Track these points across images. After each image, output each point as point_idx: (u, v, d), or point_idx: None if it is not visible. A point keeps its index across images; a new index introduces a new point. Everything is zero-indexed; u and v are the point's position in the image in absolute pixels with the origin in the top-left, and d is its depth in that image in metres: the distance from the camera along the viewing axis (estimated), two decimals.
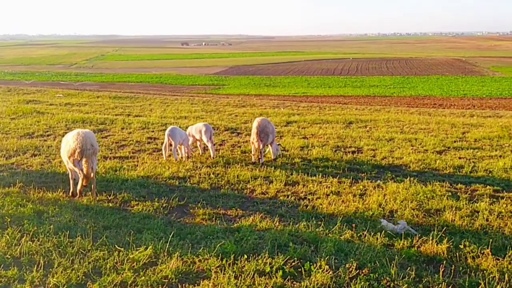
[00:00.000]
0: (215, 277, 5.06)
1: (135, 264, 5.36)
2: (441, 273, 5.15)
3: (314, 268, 5.21)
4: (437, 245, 5.81)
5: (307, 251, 5.69)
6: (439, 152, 11.43)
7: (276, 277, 5.05)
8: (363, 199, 7.81)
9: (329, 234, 6.24)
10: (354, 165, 10.08)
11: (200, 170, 9.57)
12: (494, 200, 7.81)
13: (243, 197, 8.05)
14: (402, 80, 64.05)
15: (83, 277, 5.07)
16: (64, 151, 7.75)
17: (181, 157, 10.53)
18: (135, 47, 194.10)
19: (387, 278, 5.03)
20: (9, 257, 5.46)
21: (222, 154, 10.92)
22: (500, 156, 10.87)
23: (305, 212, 7.20)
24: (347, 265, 5.26)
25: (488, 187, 8.46)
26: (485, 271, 5.23)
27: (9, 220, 6.43)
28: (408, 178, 8.82)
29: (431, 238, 5.96)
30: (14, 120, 15.36)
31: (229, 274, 5.09)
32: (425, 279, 5.07)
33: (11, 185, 8.18)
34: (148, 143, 12.27)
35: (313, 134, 13.71)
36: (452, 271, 5.24)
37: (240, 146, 11.99)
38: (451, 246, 5.84)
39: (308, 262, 5.36)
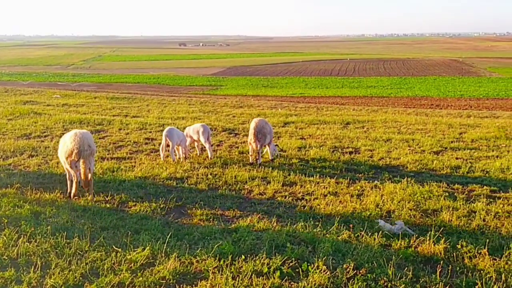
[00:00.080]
0: (212, 278, 5.07)
1: (132, 265, 5.36)
2: (438, 273, 5.16)
3: (312, 268, 5.22)
4: (434, 245, 5.83)
5: (305, 251, 5.70)
6: (436, 152, 11.46)
7: (274, 278, 5.06)
8: (360, 200, 7.83)
9: (327, 235, 6.25)
10: (352, 165, 10.09)
11: (198, 170, 9.57)
12: (491, 200, 7.84)
13: (240, 197, 8.06)
14: (399, 80, 64.13)
15: (81, 278, 5.06)
16: (62, 152, 7.74)
17: (179, 158, 10.53)
18: (133, 48, 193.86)
19: (385, 278, 5.04)
20: (6, 258, 5.45)
21: (219, 155, 10.93)
22: (497, 157, 10.91)
23: (303, 213, 7.21)
24: (344, 266, 5.27)
25: (485, 187, 8.49)
26: (482, 271, 5.24)
27: (6, 221, 6.42)
28: (405, 178, 8.84)
29: (428, 238, 5.98)
30: (11, 121, 15.33)
31: (227, 274, 5.10)
32: (422, 279, 5.09)
33: (8, 186, 8.16)
34: (146, 143, 12.27)
35: (310, 135, 13.73)
36: (449, 271, 5.25)
37: (237, 147, 11.99)
38: (448, 246, 5.85)
39: (305, 262, 5.36)
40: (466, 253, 5.68)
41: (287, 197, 8.00)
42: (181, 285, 5.00)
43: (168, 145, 10.23)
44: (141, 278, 5.04)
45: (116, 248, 5.69)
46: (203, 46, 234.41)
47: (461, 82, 60.91)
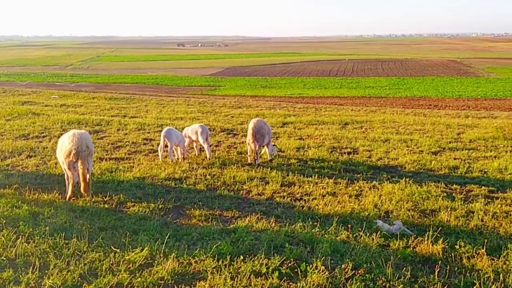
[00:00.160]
0: (211, 278, 5.07)
1: (131, 265, 5.35)
2: (436, 273, 5.17)
3: (310, 268, 5.22)
4: (432, 245, 5.84)
5: (303, 251, 5.70)
6: (435, 153, 11.48)
7: (272, 278, 5.06)
8: (359, 200, 7.83)
9: (325, 235, 6.25)
10: (350, 166, 10.10)
11: (196, 171, 9.57)
12: (489, 200, 7.86)
13: (239, 198, 8.06)
14: (398, 81, 64.23)
15: (79, 278, 5.06)
16: (60, 152, 7.74)
17: (177, 158, 10.52)
18: (131, 48, 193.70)
19: (383, 278, 5.05)
20: (5, 258, 5.44)
21: (218, 155, 10.92)
22: (495, 157, 10.93)
23: (301, 213, 7.21)
24: (343, 266, 5.27)
25: (483, 187, 8.51)
26: (480, 271, 5.25)
27: (4, 221, 6.41)
28: (404, 178, 8.85)
29: (426, 238, 5.99)
30: (9, 122, 15.30)
31: (225, 275, 5.10)
32: (421, 280, 5.09)
33: (6, 187, 8.15)
34: (144, 144, 12.26)
35: (309, 135, 13.74)
36: (448, 271, 5.27)
37: (236, 147, 12.00)
38: (447, 247, 5.86)
39: (304, 262, 5.37)
40: (464, 253, 5.69)
41: (285, 198, 8.00)
42: (180, 286, 5.00)
43: (166, 146, 10.23)
44: (139, 279, 5.04)
45: (115, 249, 5.69)
46: (201, 47, 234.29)
47: (459, 82, 61.02)
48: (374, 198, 7.77)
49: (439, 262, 5.44)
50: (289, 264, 5.36)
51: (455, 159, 10.78)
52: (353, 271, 5.17)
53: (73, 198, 7.69)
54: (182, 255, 5.58)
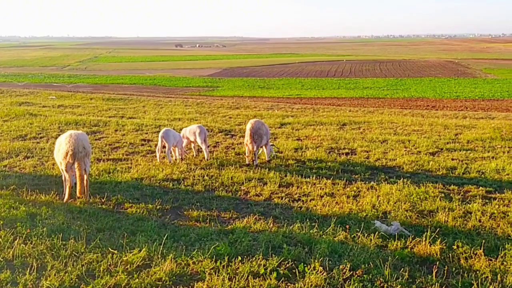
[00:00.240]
0: (209, 279, 5.06)
1: (128, 266, 5.34)
2: (434, 273, 5.17)
3: (308, 269, 5.22)
4: (430, 246, 5.85)
5: (301, 252, 5.70)
6: (432, 153, 11.50)
7: (270, 279, 5.06)
8: (356, 201, 7.84)
9: (323, 236, 6.25)
10: (348, 166, 10.11)
11: (194, 172, 9.56)
12: (487, 201, 7.87)
13: (237, 199, 8.05)
14: (396, 82, 64.37)
15: (77, 279, 5.04)
16: (58, 153, 7.72)
17: (175, 159, 10.51)
18: (129, 49, 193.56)
19: (381, 279, 5.05)
20: (2, 260, 5.43)
21: (216, 156, 10.92)
22: (493, 158, 10.96)
23: (299, 214, 7.21)
24: (341, 266, 5.27)
25: (480, 188, 8.52)
26: (477, 272, 5.26)
27: (1, 222, 6.39)
28: (402, 179, 8.86)
29: (424, 239, 5.99)
30: (6, 122, 15.27)
31: (223, 276, 5.09)
32: (419, 280, 5.10)
33: (3, 188, 8.13)
34: (142, 145, 12.25)
35: (307, 136, 13.74)
36: (445, 271, 5.27)
37: (234, 148, 11.99)
38: (444, 247, 5.87)
39: (302, 263, 5.36)
40: (462, 254, 5.70)
41: (283, 198, 8.00)
42: (178, 287, 4.99)
43: (164, 146, 10.21)
44: (137, 280, 5.03)
45: (112, 250, 5.67)
46: (199, 47, 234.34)
47: (457, 83, 61.19)
48: (372, 199, 7.78)
49: (437, 263, 5.45)
50: (287, 265, 5.35)
51: (452, 159, 10.80)
52: (351, 272, 5.18)
53: (70, 200, 7.67)
54: (180, 256, 5.58)
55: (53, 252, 5.61)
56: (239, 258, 5.48)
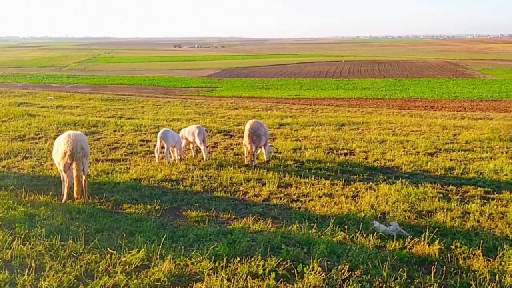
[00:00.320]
0: (208, 280, 5.06)
1: (127, 267, 5.34)
2: (432, 274, 5.18)
3: (307, 270, 5.22)
4: (428, 246, 5.85)
5: (300, 253, 5.71)
6: (431, 154, 11.51)
7: (269, 279, 5.06)
8: (355, 201, 7.85)
9: (322, 236, 6.26)
10: (347, 167, 10.12)
11: (193, 172, 9.57)
12: (485, 201, 7.88)
13: (236, 199, 8.05)
14: (394, 82, 64.39)
15: (75, 280, 5.04)
16: (56, 154, 7.71)
17: (174, 160, 10.51)
18: (128, 49, 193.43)
19: (379, 279, 5.06)
20: (0, 260, 5.42)
21: (214, 157, 10.92)
22: (491, 158, 10.98)
23: (298, 214, 7.22)
24: (339, 267, 5.28)
25: (479, 188, 8.54)
26: (476, 272, 5.27)
27: (0, 223, 6.38)
28: (400, 180, 8.87)
29: (422, 239, 6.00)
30: (5, 123, 15.25)
31: (222, 276, 5.09)
32: (417, 280, 5.11)
33: (2, 188, 8.13)
34: (141, 145, 12.24)
35: (305, 136, 13.75)
36: (444, 272, 5.28)
37: (233, 149, 11.99)
38: (443, 247, 5.88)
39: (300, 264, 5.37)
40: (461, 254, 5.71)
41: (282, 199, 8.00)
42: (176, 287, 4.99)
43: (163, 147, 10.21)
44: (136, 280, 5.03)
45: (111, 250, 5.67)
46: (198, 48, 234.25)
47: (455, 83, 61.23)
48: (370, 199, 7.79)
49: (435, 263, 5.45)
50: (286, 265, 5.36)
51: (451, 160, 10.82)
52: (350, 272, 5.18)
53: (69, 200, 7.66)
54: (179, 256, 5.57)
55: (51, 253, 5.61)
56: (238, 258, 5.48)
